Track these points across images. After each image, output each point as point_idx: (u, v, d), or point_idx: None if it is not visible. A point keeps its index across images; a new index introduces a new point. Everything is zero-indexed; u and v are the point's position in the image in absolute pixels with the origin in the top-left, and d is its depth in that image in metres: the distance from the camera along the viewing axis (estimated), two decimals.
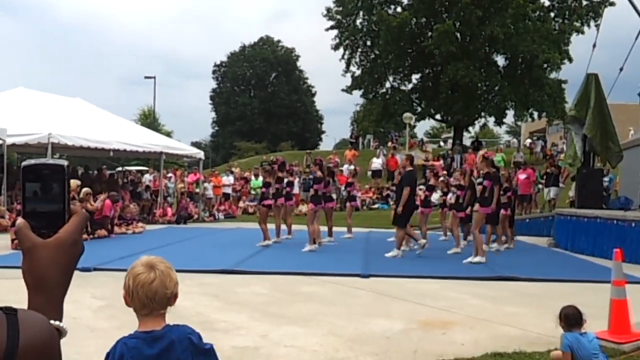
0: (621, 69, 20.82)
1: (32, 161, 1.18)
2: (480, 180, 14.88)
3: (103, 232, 18.09)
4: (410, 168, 15.06)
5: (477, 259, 13.58)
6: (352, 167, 30.19)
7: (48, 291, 1.16)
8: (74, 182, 18.60)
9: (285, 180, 16.62)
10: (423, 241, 14.95)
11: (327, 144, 78.35)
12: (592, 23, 38.26)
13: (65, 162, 1.19)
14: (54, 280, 1.17)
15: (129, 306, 2.63)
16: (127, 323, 2.85)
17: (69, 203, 1.19)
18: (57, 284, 1.16)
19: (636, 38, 20.83)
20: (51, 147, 19.06)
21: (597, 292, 9.22)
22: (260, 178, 32.84)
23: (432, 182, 17.46)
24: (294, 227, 18.23)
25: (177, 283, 2.68)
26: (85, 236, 16.76)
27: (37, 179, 1.17)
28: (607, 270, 8.96)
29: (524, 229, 22.31)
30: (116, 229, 19.33)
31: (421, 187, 17.75)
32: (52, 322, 1.13)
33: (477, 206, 14.49)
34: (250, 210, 29.03)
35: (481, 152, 18.14)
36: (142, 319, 2.63)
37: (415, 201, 15.44)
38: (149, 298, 2.57)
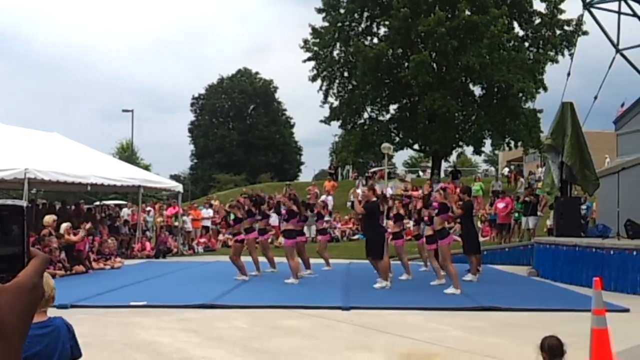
0: (595, 97, 21.14)
1: None
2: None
3: (81, 267, 17.88)
4: (374, 199, 15.03)
5: (451, 290, 13.57)
6: (329, 197, 30.25)
7: (6, 338, 1.11)
8: (50, 217, 18.45)
9: (257, 213, 16.59)
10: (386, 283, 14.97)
11: (306, 175, 78.30)
12: (566, 52, 38.79)
13: (24, 203, 1.14)
14: (13, 326, 1.12)
15: None
16: None
17: (28, 245, 1.14)
18: (15, 330, 1.10)
19: (610, 66, 21.21)
20: (28, 182, 18.88)
21: (577, 321, 9.22)
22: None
23: (401, 212, 17.08)
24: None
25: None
26: (62, 272, 16.74)
27: None
28: (587, 298, 8.98)
29: (503, 258, 22.38)
30: (94, 264, 19.11)
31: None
32: None
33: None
34: (230, 243, 28.86)
35: (441, 185, 18.22)
36: None
37: (384, 231, 15.40)
38: None
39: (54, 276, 16.14)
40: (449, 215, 14.81)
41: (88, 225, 18.75)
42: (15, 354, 1.12)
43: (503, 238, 24.71)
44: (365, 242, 15.27)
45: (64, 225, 18.53)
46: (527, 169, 47.43)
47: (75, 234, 18.39)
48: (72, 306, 11.36)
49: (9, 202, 1.14)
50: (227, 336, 9.19)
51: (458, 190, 17.44)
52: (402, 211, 17.16)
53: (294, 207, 15.97)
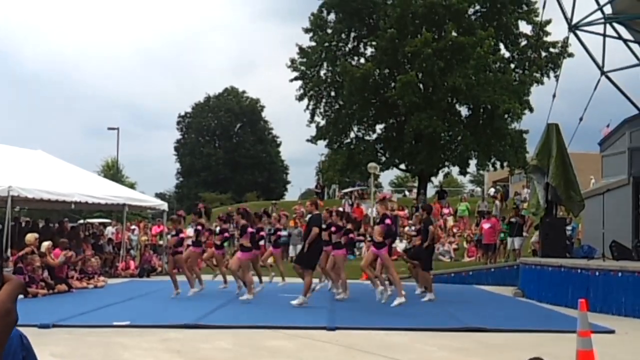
0: (581, 119, 21.27)
1: None
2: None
3: (63, 287, 17.69)
4: (317, 212, 15.69)
5: (397, 301, 13.67)
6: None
7: None
8: (32, 236, 18.28)
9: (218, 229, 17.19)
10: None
11: (292, 194, 78.22)
12: (551, 74, 39.09)
13: None
14: None
15: None
16: None
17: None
18: None
19: (595, 88, 21.38)
20: (11, 200, 18.74)
21: (563, 343, 9.20)
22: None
23: (340, 223, 16.17)
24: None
25: None
26: (44, 291, 16.56)
27: None
28: (573, 320, 8.97)
29: (489, 278, 22.39)
30: (77, 283, 18.92)
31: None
32: None
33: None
34: (215, 262, 28.69)
35: (380, 195, 18.34)
36: None
37: (322, 243, 15.44)
38: None
39: (35, 295, 16.00)
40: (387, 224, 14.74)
41: (70, 253, 18.57)
42: None
43: (489, 258, 24.76)
44: (301, 249, 15.73)
45: (45, 244, 18.35)
46: (513, 189, 47.58)
47: (56, 255, 18.19)
48: (54, 326, 11.21)
49: None
50: (211, 357, 9.10)
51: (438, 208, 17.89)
52: (341, 223, 16.20)
53: (242, 222, 16.40)
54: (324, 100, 43.33)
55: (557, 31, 39.58)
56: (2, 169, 20.20)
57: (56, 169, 23.71)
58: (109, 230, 29.39)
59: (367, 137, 43.51)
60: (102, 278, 20.76)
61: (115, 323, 11.73)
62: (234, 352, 9.49)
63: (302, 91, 43.07)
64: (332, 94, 43.05)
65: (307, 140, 44.00)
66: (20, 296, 1.13)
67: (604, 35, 21.37)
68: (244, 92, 79.51)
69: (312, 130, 43.58)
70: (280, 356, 9.22)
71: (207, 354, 9.36)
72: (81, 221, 32.56)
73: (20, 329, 1.03)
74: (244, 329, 11.44)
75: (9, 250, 18.52)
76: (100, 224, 32.99)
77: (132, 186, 52.86)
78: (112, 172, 58.21)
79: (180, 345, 9.90)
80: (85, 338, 10.40)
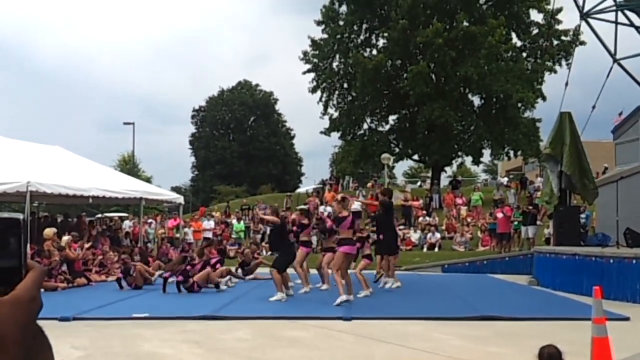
0: (594, 107, 21.23)
1: None
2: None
3: (83, 280, 17.93)
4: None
5: (340, 299, 13.26)
6: (329, 208, 30.23)
7: (6, 350, 1.08)
8: (50, 230, 18.51)
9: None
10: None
11: (306, 185, 78.33)
12: (563, 62, 38.96)
13: (21, 216, 1.12)
14: (12, 338, 1.12)
15: None
16: None
17: (25, 258, 1.13)
18: (15, 342, 1.09)
19: (607, 76, 21.32)
20: (30, 196, 18.95)
21: (578, 330, 9.27)
22: (242, 222, 32.96)
23: (304, 221, 16.46)
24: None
25: None
26: (64, 285, 16.77)
27: None
28: (587, 307, 9.04)
29: (503, 267, 22.47)
30: (96, 276, 19.17)
31: (401, 227, 17.87)
32: None
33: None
34: (232, 254, 28.90)
35: (339, 196, 18.29)
36: None
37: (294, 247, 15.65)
38: None
39: (55, 289, 16.23)
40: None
41: (88, 245, 18.84)
42: None
43: (503, 247, 24.75)
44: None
45: (65, 239, 18.59)
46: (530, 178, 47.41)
47: (76, 249, 18.46)
48: (75, 318, 11.40)
49: (5, 215, 1.14)
50: (229, 347, 9.23)
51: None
52: (305, 221, 16.51)
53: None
54: (336, 92, 43.44)
55: (568, 19, 39.47)
56: (21, 165, 20.42)
57: (73, 164, 23.89)
58: (127, 224, 29.64)
59: (380, 128, 43.61)
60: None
61: (134, 315, 11.90)
62: (252, 342, 9.62)
63: (314, 83, 43.19)
64: (345, 85, 43.14)
65: (321, 132, 44.18)
66: (41, 290, 1.21)
67: (616, 22, 21.31)
68: (257, 85, 79.64)
69: (326, 122, 43.74)
70: (298, 346, 9.35)
71: (226, 344, 9.50)
72: (99, 215, 32.80)
73: (41, 322, 1.12)
74: (262, 320, 11.58)
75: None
76: (119, 218, 33.23)
77: (148, 180, 53.12)
78: (129, 166, 58.51)
79: (199, 336, 10.05)
80: (105, 330, 10.57)
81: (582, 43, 34.83)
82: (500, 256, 23.82)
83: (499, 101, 39.66)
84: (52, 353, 1.19)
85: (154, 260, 22.07)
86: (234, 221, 32.93)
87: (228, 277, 17.84)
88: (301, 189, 54.65)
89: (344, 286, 13.39)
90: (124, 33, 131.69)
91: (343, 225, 13.88)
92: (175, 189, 60.08)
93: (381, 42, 43.25)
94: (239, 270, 19.93)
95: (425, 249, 27.21)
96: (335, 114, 43.30)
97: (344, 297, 13.17)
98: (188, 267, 16.57)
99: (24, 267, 1.13)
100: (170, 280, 16.30)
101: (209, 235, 30.26)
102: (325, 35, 43.06)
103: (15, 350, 1.13)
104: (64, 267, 17.77)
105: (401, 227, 27.05)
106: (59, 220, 24.63)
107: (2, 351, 1.10)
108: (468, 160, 45.12)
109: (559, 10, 37.61)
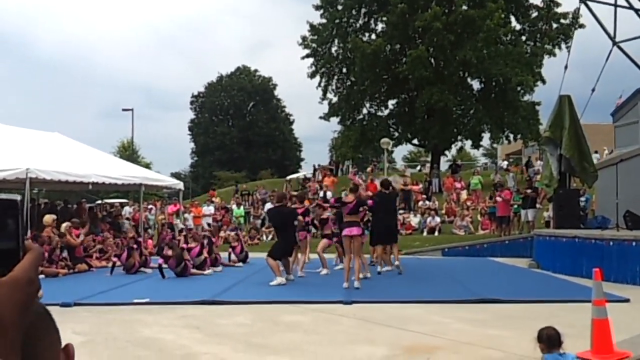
0: (593, 90, 21.13)
1: None
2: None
3: (84, 266, 17.96)
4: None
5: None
6: (329, 193, 30.25)
7: (4, 333, 1.08)
8: (50, 217, 18.51)
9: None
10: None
11: (306, 171, 78.34)
12: (563, 45, 38.84)
13: (18, 197, 1.11)
14: (9, 320, 1.11)
15: None
16: (109, 358, 2.82)
17: (23, 240, 1.12)
18: (12, 323, 1.09)
19: (607, 59, 21.20)
20: (29, 182, 18.94)
21: (578, 312, 9.29)
22: (241, 207, 32.97)
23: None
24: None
25: None
26: (65, 271, 16.81)
27: None
28: (587, 289, 9.06)
29: (503, 250, 22.51)
30: (96, 262, 19.20)
31: (401, 211, 17.89)
32: None
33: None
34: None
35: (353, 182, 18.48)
36: None
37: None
38: None
39: (56, 275, 16.27)
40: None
41: (85, 229, 18.88)
42: (14, 348, 1.11)
43: (503, 231, 24.77)
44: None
45: (64, 225, 18.60)
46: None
47: (77, 235, 18.49)
48: (76, 304, 11.44)
49: (3, 196, 1.12)
50: (229, 332, 9.25)
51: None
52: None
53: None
54: (335, 77, 43.36)
55: (567, 2, 39.19)
56: (20, 152, 20.40)
57: (73, 151, 23.87)
58: (127, 210, 29.65)
59: (379, 113, 43.55)
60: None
61: (135, 300, 11.93)
62: (252, 327, 9.64)
63: (313, 68, 43.10)
64: (344, 70, 43.05)
65: (320, 117, 44.15)
66: (41, 275, 1.18)
67: (615, 5, 21.16)
68: (256, 70, 79.52)
69: (325, 107, 43.69)
70: (298, 330, 9.37)
71: (226, 329, 9.52)
72: (99, 201, 32.81)
73: None
74: (261, 304, 11.60)
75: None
76: (120, 204, 33.25)
77: (147, 166, 53.11)
78: (128, 152, 58.50)
79: (199, 321, 10.08)
80: (106, 315, 10.60)
81: (582, 26, 34.72)
82: (500, 239, 23.85)
83: (499, 85, 39.58)
84: (58, 336, 1.18)
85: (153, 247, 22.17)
86: (234, 206, 32.95)
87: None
88: (293, 175, 54.56)
89: (361, 266, 14.00)
90: (123, 20, 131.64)
91: (345, 209, 14.05)
92: (175, 175, 60.09)
93: (380, 26, 43.13)
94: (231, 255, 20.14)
95: (425, 233, 27.24)
96: (335, 99, 43.25)
97: (360, 275, 13.76)
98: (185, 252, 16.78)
99: (22, 248, 1.12)
100: (164, 265, 16.40)
101: (209, 220, 30.29)
102: (324, 20, 42.91)
103: (14, 331, 1.11)
104: (65, 254, 17.80)
105: (401, 211, 27.06)
106: (58, 207, 24.60)
107: (0, 334, 1.08)
108: (468, 144, 45.12)
109: None
